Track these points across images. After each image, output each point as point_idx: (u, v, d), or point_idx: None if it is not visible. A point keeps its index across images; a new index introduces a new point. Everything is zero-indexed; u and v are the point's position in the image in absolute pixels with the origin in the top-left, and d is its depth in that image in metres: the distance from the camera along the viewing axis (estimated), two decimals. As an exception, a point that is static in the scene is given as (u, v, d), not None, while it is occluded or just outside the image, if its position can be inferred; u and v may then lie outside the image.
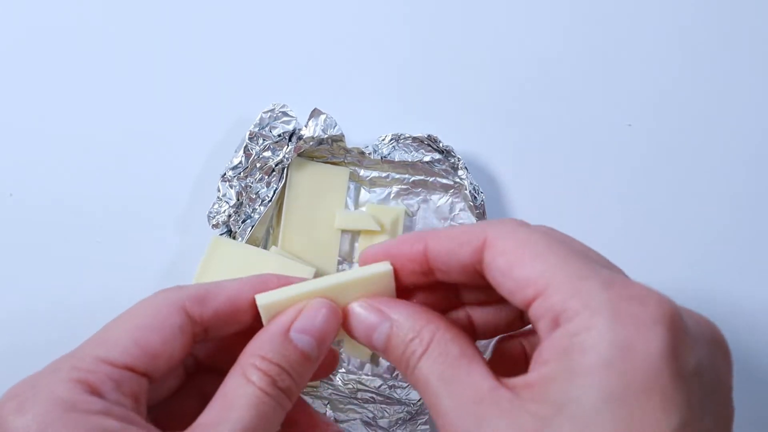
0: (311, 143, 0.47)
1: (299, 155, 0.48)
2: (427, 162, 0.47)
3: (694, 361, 0.23)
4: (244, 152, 0.46)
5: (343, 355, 0.47)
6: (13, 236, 0.48)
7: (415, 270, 0.29)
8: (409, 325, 0.28)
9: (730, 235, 0.50)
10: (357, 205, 0.49)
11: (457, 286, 0.31)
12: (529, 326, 0.31)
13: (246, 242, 0.45)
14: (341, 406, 0.45)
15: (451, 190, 0.49)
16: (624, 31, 0.53)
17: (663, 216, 0.50)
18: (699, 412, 0.23)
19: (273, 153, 0.46)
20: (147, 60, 0.51)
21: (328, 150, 0.48)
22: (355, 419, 0.45)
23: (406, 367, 0.27)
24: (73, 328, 0.46)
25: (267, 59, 0.52)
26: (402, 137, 0.47)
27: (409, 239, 0.29)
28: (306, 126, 0.46)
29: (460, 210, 0.48)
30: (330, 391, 0.46)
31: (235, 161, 0.46)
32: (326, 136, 0.46)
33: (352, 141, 0.48)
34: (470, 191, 0.46)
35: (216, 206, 0.46)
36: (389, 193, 0.49)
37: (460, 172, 0.47)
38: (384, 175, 0.49)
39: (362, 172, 0.49)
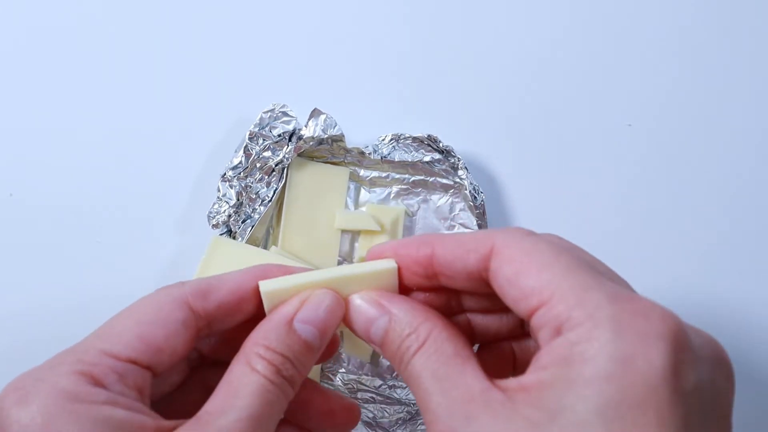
0: (311, 143, 0.47)
1: (299, 155, 0.48)
2: (427, 162, 0.47)
3: (695, 378, 0.23)
4: (244, 152, 0.46)
5: (343, 355, 0.47)
6: (13, 236, 0.48)
7: (419, 273, 0.29)
8: (407, 321, 0.28)
9: (731, 234, 0.50)
10: (357, 205, 0.49)
11: (460, 293, 0.31)
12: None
13: (246, 242, 0.45)
14: (341, 406, 0.45)
15: (451, 190, 0.49)
16: (624, 31, 0.53)
17: (663, 216, 0.50)
18: (695, 431, 0.23)
19: (273, 153, 0.46)
20: (147, 60, 0.51)
21: (328, 150, 0.48)
22: (355, 419, 0.45)
23: (400, 362, 0.28)
24: (74, 328, 0.46)
25: (267, 59, 0.52)
26: (402, 137, 0.47)
27: (416, 242, 0.29)
28: (306, 126, 0.46)
29: (460, 210, 0.48)
30: (330, 391, 0.46)
31: (235, 161, 0.46)
32: (326, 136, 0.46)
33: (352, 141, 0.48)
34: (470, 191, 0.46)
35: (216, 206, 0.46)
36: (389, 193, 0.49)
37: (460, 172, 0.47)
38: (384, 175, 0.49)
39: (362, 172, 0.49)
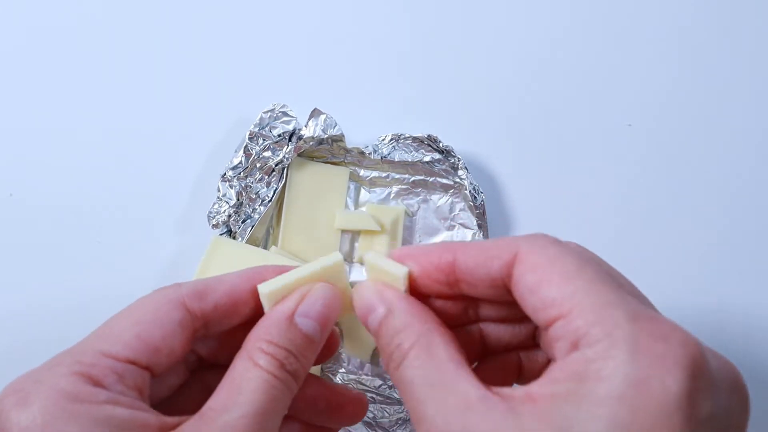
0: (311, 143, 0.47)
1: (299, 155, 0.48)
2: (427, 162, 0.47)
3: (710, 406, 0.22)
4: (244, 152, 0.46)
5: (343, 355, 0.47)
6: (13, 236, 0.48)
7: (440, 280, 0.29)
8: (403, 318, 0.28)
9: (731, 234, 0.50)
10: (357, 205, 0.49)
11: (478, 301, 0.30)
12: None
13: (246, 242, 0.45)
14: (341, 406, 0.45)
15: (451, 190, 0.49)
16: (624, 31, 0.53)
17: (663, 216, 0.50)
18: None
19: (273, 153, 0.46)
20: (147, 60, 0.51)
21: (328, 150, 0.48)
22: (355, 419, 0.45)
23: (389, 360, 0.27)
24: (74, 328, 0.46)
25: (267, 59, 0.52)
26: (402, 137, 0.47)
27: (438, 249, 0.29)
28: (306, 126, 0.46)
29: (460, 210, 0.48)
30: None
31: (235, 161, 0.46)
32: (326, 136, 0.46)
33: (352, 141, 0.48)
34: (470, 191, 0.46)
35: (216, 206, 0.46)
36: (389, 193, 0.49)
37: (460, 172, 0.47)
38: (384, 175, 0.49)
39: (362, 172, 0.49)
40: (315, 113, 0.46)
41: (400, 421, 0.45)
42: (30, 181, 0.49)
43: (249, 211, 0.46)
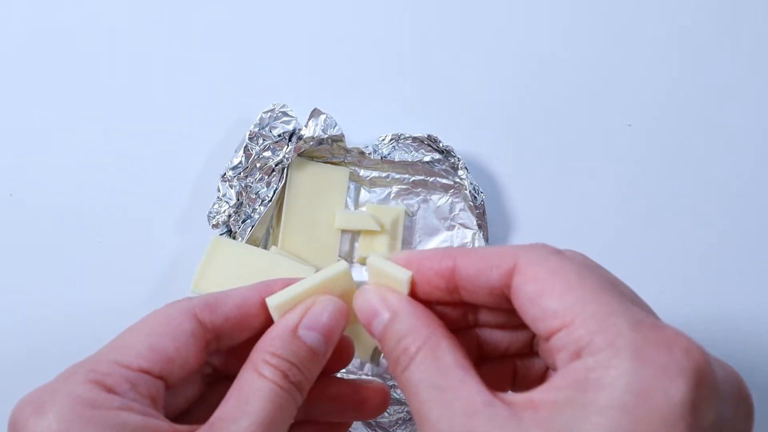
0: (311, 143, 0.47)
1: (299, 155, 0.48)
2: (427, 162, 0.47)
3: (713, 416, 0.22)
4: (244, 152, 0.46)
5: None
6: (13, 236, 0.48)
7: (440, 286, 0.29)
8: (408, 322, 0.28)
9: (730, 234, 0.50)
10: (357, 205, 0.49)
11: (477, 307, 0.31)
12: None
13: (246, 242, 0.45)
14: (341, 406, 0.45)
15: (451, 190, 0.49)
16: (624, 31, 0.53)
17: (663, 216, 0.50)
18: None
19: (273, 153, 0.46)
20: (147, 60, 0.51)
21: (328, 150, 0.48)
22: (355, 419, 0.45)
23: (396, 364, 0.27)
24: (74, 328, 0.46)
25: (267, 59, 0.52)
26: (402, 137, 0.47)
27: (438, 255, 0.29)
28: (306, 126, 0.46)
29: (460, 210, 0.48)
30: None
31: (235, 161, 0.46)
32: (326, 136, 0.46)
33: (352, 141, 0.48)
34: (470, 191, 0.46)
35: (216, 206, 0.46)
36: (389, 193, 0.49)
37: (460, 172, 0.47)
38: (384, 175, 0.49)
39: (362, 172, 0.49)
40: (315, 113, 0.46)
41: (400, 421, 0.45)
42: (30, 181, 0.49)
43: (249, 211, 0.46)
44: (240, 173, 0.46)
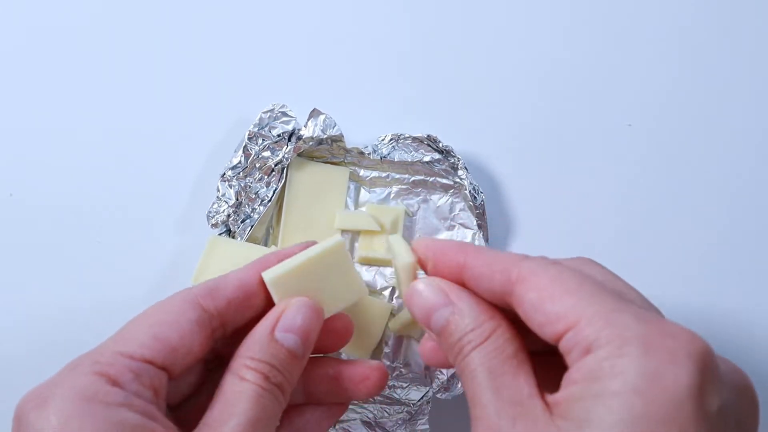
0: (311, 143, 0.47)
1: (299, 155, 0.48)
2: (426, 162, 0.47)
3: (719, 402, 0.23)
4: (244, 152, 0.46)
5: (343, 355, 0.47)
6: (13, 236, 0.48)
7: (451, 279, 0.30)
8: (473, 316, 0.29)
9: (731, 234, 0.50)
10: (357, 205, 0.49)
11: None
12: None
13: (245, 242, 0.45)
14: (341, 406, 0.45)
15: (451, 190, 0.49)
16: (624, 31, 0.53)
17: (663, 216, 0.50)
18: None
19: (272, 153, 0.46)
20: (147, 60, 0.51)
21: (327, 150, 0.48)
22: (355, 419, 0.45)
23: (458, 353, 0.28)
24: (74, 328, 0.46)
25: (267, 59, 0.52)
26: (402, 137, 0.47)
27: (454, 248, 0.30)
28: (305, 126, 0.46)
29: (460, 210, 0.48)
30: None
31: (235, 161, 0.46)
32: (326, 136, 0.46)
33: (352, 141, 0.48)
34: (470, 191, 0.46)
35: (215, 206, 0.46)
36: (389, 193, 0.49)
37: (460, 172, 0.47)
38: (384, 175, 0.49)
39: (362, 172, 0.49)
40: (314, 113, 0.46)
41: (400, 421, 0.45)
42: (30, 181, 0.49)
43: (248, 211, 0.46)
44: (239, 173, 0.46)
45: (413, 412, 0.45)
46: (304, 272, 0.32)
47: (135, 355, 0.28)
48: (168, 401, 0.31)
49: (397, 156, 0.47)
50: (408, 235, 0.49)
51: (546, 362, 0.31)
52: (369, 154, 0.47)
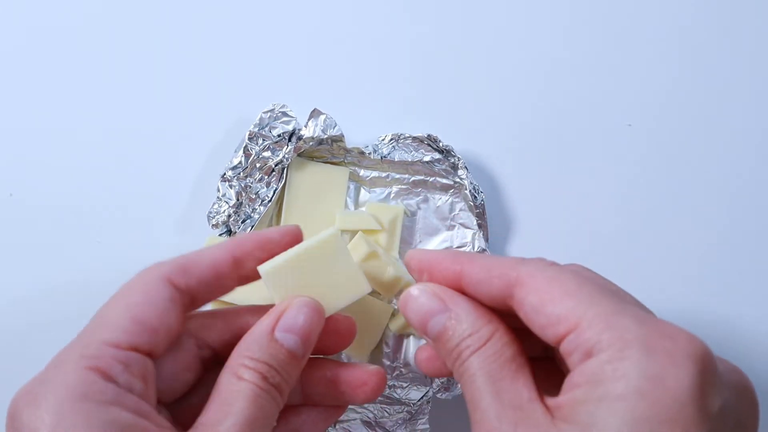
0: (311, 143, 0.47)
1: (299, 155, 0.48)
2: (427, 162, 0.47)
3: (720, 402, 0.24)
4: (244, 152, 0.46)
5: (343, 355, 0.47)
6: (13, 236, 0.48)
7: (449, 287, 0.30)
8: (470, 321, 0.29)
9: (731, 234, 0.50)
10: (357, 205, 0.49)
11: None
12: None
13: (246, 242, 0.45)
14: (341, 406, 0.45)
15: (451, 190, 0.49)
16: (624, 31, 0.53)
17: (663, 216, 0.50)
18: None
19: (273, 153, 0.46)
20: (147, 60, 0.51)
21: (327, 150, 0.48)
22: (355, 419, 0.45)
23: (456, 359, 0.28)
24: (74, 328, 0.46)
25: (267, 59, 0.52)
26: (402, 137, 0.47)
27: (449, 257, 0.30)
28: (306, 126, 0.46)
29: (460, 210, 0.48)
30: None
31: (235, 161, 0.46)
32: (326, 136, 0.46)
33: (352, 141, 0.48)
34: (470, 191, 0.46)
35: (216, 206, 0.46)
36: (389, 193, 0.49)
37: (460, 172, 0.47)
38: (384, 175, 0.49)
39: (362, 172, 0.49)
40: (314, 113, 0.46)
41: (400, 421, 0.45)
42: (30, 181, 0.49)
43: (249, 211, 0.46)
44: (240, 173, 0.46)
45: (413, 411, 0.45)
46: (301, 265, 0.32)
47: (121, 344, 0.28)
48: (164, 399, 0.30)
49: (397, 156, 0.47)
50: (408, 235, 0.49)
51: (543, 367, 0.31)
52: (369, 153, 0.47)
